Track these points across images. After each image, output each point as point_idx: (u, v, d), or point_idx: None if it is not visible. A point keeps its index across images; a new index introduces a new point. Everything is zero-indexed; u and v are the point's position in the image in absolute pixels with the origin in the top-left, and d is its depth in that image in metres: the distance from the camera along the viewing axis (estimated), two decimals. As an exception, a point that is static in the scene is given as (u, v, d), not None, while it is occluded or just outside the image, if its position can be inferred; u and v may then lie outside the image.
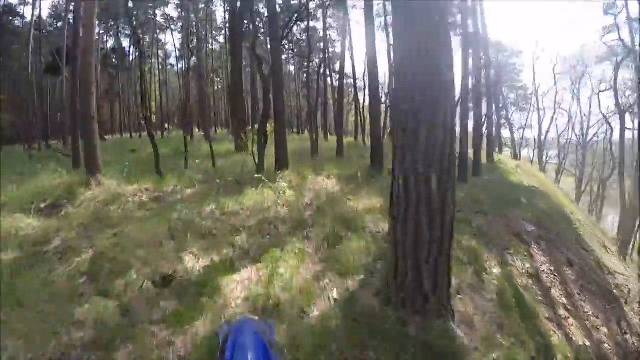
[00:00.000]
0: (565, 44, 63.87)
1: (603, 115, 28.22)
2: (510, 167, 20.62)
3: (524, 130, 32.54)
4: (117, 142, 26.14)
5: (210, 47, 38.57)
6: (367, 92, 19.15)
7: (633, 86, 25.31)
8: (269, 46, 17.82)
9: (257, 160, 10.23)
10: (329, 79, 26.94)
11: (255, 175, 8.71)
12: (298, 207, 7.45)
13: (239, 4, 17.18)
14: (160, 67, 40.96)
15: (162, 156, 11.10)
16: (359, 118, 25.79)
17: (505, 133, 33.13)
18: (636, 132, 22.19)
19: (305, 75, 25.40)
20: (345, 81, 22.58)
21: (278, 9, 18.63)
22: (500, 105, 31.12)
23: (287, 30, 18.98)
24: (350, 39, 24.45)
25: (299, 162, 12.29)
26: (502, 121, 31.80)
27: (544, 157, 31.75)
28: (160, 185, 8.64)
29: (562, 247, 8.64)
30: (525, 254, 7.29)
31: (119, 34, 34.50)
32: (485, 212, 8.86)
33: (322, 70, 23.85)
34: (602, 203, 28.47)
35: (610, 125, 28.02)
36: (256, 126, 11.57)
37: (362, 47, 79.76)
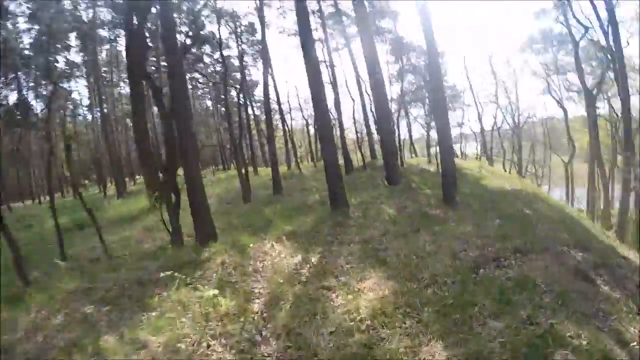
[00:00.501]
0: (504, 35, 66.92)
1: (556, 99, 28.68)
2: (473, 168, 19.06)
3: (461, 127, 32.34)
4: (22, 213, 21.27)
5: (120, 90, 34.24)
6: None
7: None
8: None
9: (170, 229, 6.96)
10: (250, 108, 24.49)
11: (162, 274, 5.36)
12: (246, 334, 4.20)
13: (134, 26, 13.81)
14: (68, 118, 35.46)
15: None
16: (288, 145, 23.39)
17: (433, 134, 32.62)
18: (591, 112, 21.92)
19: (223, 105, 22.54)
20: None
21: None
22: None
23: (187, 49, 16.09)
24: (270, 65, 22.54)
25: (230, 219, 10.25)
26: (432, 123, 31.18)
27: (488, 151, 31.58)
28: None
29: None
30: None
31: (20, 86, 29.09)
32: (522, 249, 6.39)
33: (241, 99, 21.38)
34: (572, 185, 28.28)
35: (563, 109, 28.53)
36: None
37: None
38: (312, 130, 28.77)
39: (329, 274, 5.80)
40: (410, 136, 31.34)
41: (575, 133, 29.15)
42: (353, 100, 24.41)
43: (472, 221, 8.17)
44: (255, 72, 33.77)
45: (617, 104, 22.16)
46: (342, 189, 9.67)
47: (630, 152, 14.89)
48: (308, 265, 6.33)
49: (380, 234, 7.71)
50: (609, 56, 19.09)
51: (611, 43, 17.72)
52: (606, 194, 20.94)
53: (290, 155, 24.50)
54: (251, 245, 7.06)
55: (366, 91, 22.46)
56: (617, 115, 22.84)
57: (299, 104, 28.51)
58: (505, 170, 28.91)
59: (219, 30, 18.17)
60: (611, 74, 20.47)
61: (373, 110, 19.77)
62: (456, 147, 29.54)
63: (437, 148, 13.30)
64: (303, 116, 29.67)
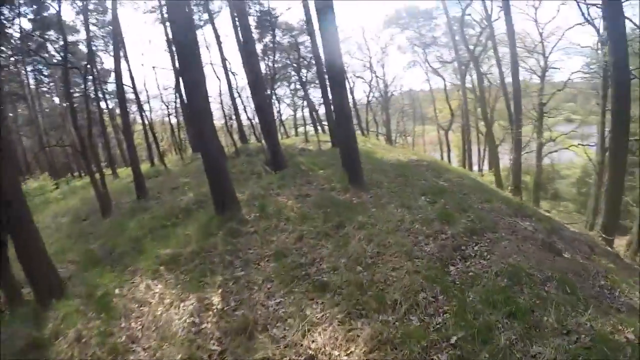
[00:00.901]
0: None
1: (430, 71, 29.95)
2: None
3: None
4: None
5: None
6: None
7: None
8: None
9: None
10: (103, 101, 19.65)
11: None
12: None
13: None
14: None
15: None
16: (149, 138, 19.50)
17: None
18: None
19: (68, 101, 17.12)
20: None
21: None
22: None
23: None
24: (124, 47, 17.95)
25: (87, 244, 8.40)
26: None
27: (363, 124, 32.08)
28: None
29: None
30: None
31: None
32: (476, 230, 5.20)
33: (90, 90, 16.66)
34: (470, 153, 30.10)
35: (442, 77, 29.60)
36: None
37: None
38: (174, 119, 24.67)
39: (252, 328, 3.55)
40: (280, 116, 29.73)
41: (441, 103, 31.50)
42: (219, 80, 21.35)
43: (395, 202, 6.79)
44: (109, 59, 27.37)
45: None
46: (230, 185, 7.32)
47: (519, 117, 16.01)
48: (211, 314, 3.97)
49: (295, 239, 5.78)
50: (480, 31, 20.52)
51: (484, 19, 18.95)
52: (493, 156, 22.56)
53: (153, 149, 20.38)
54: (117, 291, 4.62)
55: (231, 71, 19.70)
56: (490, 82, 24.58)
57: (159, 90, 24.16)
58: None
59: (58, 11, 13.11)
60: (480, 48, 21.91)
61: (239, 91, 17.28)
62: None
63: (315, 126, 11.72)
64: (163, 101, 25.31)
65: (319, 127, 24.93)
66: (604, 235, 7.34)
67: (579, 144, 16.87)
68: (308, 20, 15.51)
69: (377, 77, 31.48)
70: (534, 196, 19.03)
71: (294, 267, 4.81)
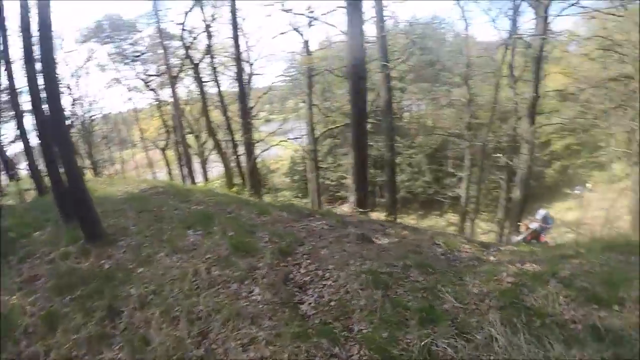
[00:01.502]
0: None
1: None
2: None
3: None
4: None
5: None
6: None
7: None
8: None
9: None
10: None
11: None
12: None
13: None
14: None
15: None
16: None
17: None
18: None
19: None
20: None
21: None
22: None
23: None
24: None
25: None
26: None
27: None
28: None
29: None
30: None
31: None
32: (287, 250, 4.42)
33: None
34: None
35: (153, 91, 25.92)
36: None
37: None
38: None
39: None
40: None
41: (147, 122, 28.84)
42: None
43: (161, 249, 5.01)
44: None
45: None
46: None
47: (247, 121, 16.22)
48: None
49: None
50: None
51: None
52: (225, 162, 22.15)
53: None
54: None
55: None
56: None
57: None
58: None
59: None
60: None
61: None
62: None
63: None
64: None
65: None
66: (360, 210, 8.37)
67: (288, 139, 19.41)
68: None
69: (75, 100, 25.49)
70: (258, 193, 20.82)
71: None
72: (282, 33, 17.50)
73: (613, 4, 12.28)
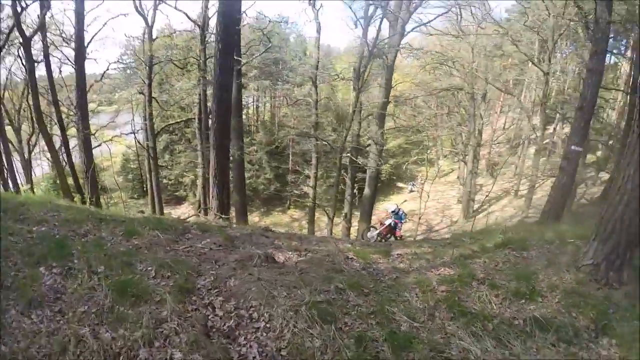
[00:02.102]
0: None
1: None
2: None
3: None
4: None
5: None
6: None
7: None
8: None
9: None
10: None
11: None
12: None
13: None
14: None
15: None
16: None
17: None
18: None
19: None
20: None
21: None
22: None
23: None
24: None
25: None
26: None
27: None
28: None
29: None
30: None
31: None
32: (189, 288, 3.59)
33: None
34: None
35: None
36: None
37: None
38: None
39: None
40: None
41: None
42: None
43: (18, 305, 3.44)
44: None
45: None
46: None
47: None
48: None
49: None
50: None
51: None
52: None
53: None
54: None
55: None
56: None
57: None
58: None
59: None
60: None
61: None
62: None
63: None
64: None
65: None
66: (223, 216, 7.52)
67: (122, 134, 16.95)
68: None
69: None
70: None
71: None
72: (124, 14, 15.00)
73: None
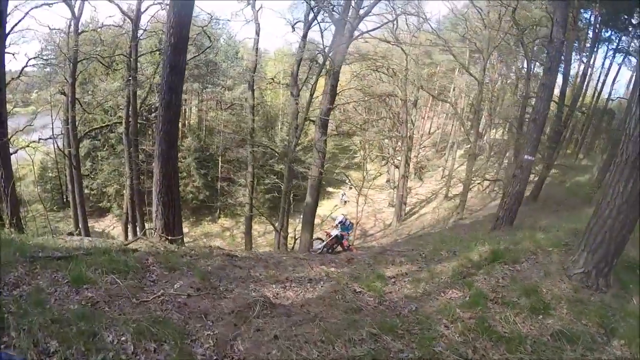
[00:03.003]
0: None
1: None
2: None
3: None
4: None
5: None
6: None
7: None
8: None
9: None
10: None
11: None
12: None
13: None
14: None
15: None
16: None
17: None
18: None
19: None
20: None
21: None
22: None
23: None
24: None
25: None
26: None
27: None
28: None
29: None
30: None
31: None
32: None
33: None
34: None
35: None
36: None
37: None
38: None
39: None
40: None
41: None
42: None
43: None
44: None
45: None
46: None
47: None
48: None
49: None
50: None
51: None
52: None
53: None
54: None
55: None
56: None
57: None
58: None
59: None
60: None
61: None
62: None
63: None
64: None
65: None
66: (169, 237, 6.69)
67: (40, 139, 14.90)
68: None
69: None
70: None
71: None
72: (49, 4, 13.04)
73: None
